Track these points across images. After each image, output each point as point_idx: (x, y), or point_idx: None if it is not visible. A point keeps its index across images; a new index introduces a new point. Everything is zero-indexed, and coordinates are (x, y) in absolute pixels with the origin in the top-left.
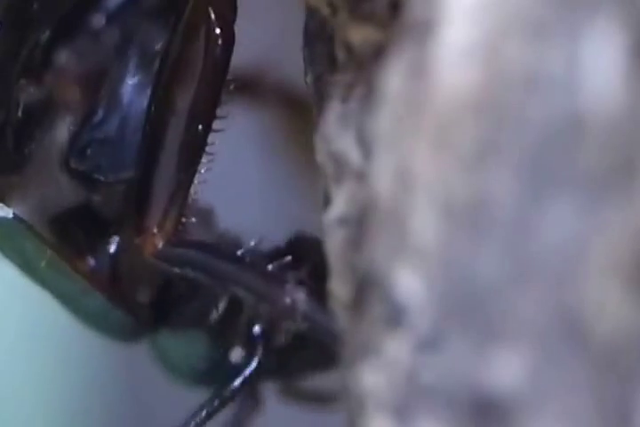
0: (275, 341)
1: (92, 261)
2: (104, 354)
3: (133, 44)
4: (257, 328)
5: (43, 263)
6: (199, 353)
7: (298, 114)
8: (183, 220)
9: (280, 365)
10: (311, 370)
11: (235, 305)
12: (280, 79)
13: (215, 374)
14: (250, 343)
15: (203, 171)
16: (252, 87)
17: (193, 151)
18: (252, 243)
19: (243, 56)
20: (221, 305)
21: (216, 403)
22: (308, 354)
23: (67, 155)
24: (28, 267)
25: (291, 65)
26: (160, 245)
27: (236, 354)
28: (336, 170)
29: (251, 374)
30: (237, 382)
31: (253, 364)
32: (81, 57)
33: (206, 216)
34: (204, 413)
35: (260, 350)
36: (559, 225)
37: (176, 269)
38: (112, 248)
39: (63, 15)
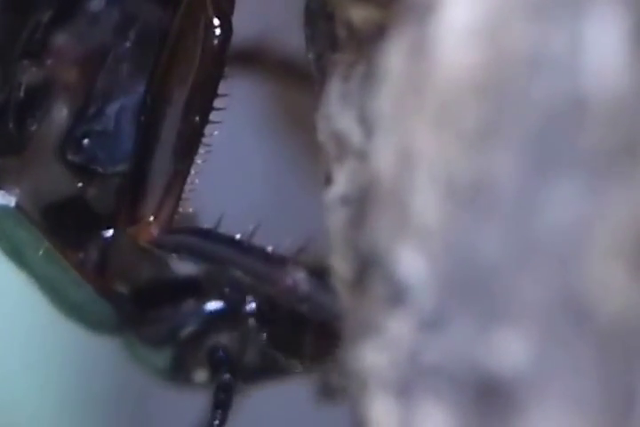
0: (240, 365)
1: (80, 253)
2: (102, 356)
3: (133, 26)
4: (221, 353)
5: (39, 253)
6: (166, 367)
7: (299, 88)
8: (180, 209)
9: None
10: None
11: (201, 331)
12: (281, 52)
13: (184, 384)
14: (214, 368)
15: (200, 161)
16: (252, 60)
17: (190, 141)
18: (251, 227)
19: (243, 30)
20: (188, 328)
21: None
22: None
23: (63, 146)
24: (17, 255)
25: (291, 38)
26: (156, 233)
27: (200, 376)
28: (337, 149)
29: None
30: (212, 414)
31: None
32: (80, 39)
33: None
34: None
35: (223, 376)
36: (562, 205)
37: (174, 256)
38: (103, 240)
39: None
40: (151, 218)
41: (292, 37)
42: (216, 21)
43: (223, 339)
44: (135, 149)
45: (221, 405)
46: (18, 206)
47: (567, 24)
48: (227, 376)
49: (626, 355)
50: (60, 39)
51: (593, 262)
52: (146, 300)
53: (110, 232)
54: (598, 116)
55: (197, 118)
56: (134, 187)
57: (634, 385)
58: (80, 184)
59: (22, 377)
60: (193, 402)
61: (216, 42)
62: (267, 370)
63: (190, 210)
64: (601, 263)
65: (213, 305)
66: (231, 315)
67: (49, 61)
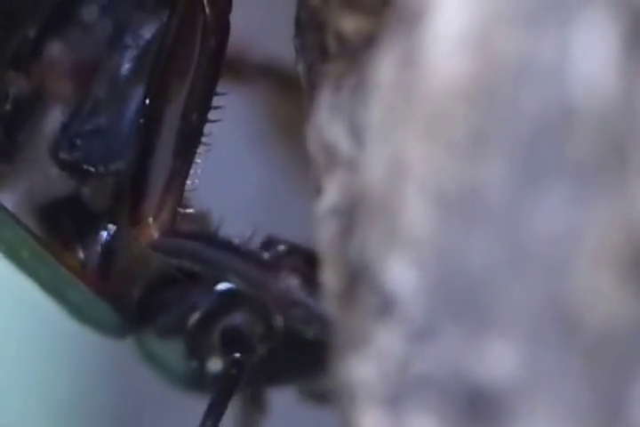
0: (253, 352)
1: (80, 254)
2: (100, 358)
3: (126, 34)
4: (233, 337)
5: (25, 253)
6: (179, 359)
7: (286, 92)
8: (180, 211)
9: (263, 373)
10: (296, 377)
11: (210, 316)
12: (265, 56)
13: (198, 381)
14: (227, 355)
15: (199, 161)
16: (236, 65)
17: (189, 142)
18: (248, 233)
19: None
20: (196, 314)
21: (211, 415)
22: (290, 361)
23: (57, 145)
24: (13, 256)
25: (275, 42)
26: (156, 235)
27: (214, 365)
28: (328, 160)
29: (233, 384)
30: (218, 392)
31: (233, 374)
32: (73, 48)
33: (202, 220)
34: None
35: (238, 362)
36: (551, 214)
37: (172, 259)
38: (102, 241)
39: (55, 7)
40: (151, 220)
41: (275, 35)
42: (213, 21)
43: (236, 321)
44: (134, 148)
45: (228, 385)
46: (1, 206)
47: (556, 32)
48: (237, 359)
49: (614, 363)
50: (53, 49)
51: (581, 271)
52: (153, 293)
53: (111, 232)
54: (587, 125)
55: (196, 118)
56: (134, 187)
57: (622, 394)
58: (75, 184)
59: (14, 384)
60: (188, 415)
61: (213, 41)
62: (282, 360)
63: (192, 211)
64: (589, 272)
65: (223, 286)
66: (242, 295)
67: (39, 72)
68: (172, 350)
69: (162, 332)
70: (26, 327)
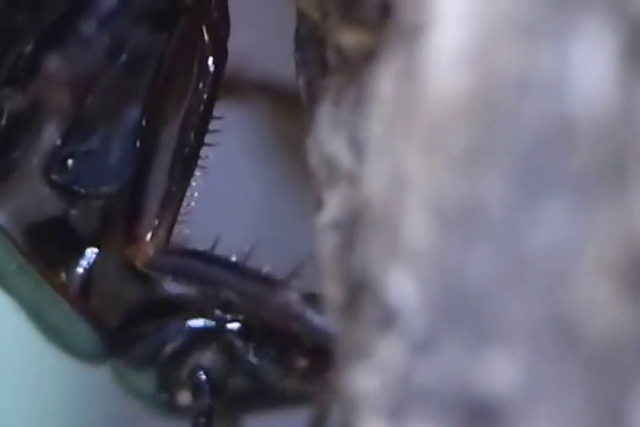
0: (222, 388)
1: (64, 275)
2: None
3: (123, 51)
4: (202, 375)
5: (13, 267)
6: (150, 390)
7: (284, 108)
8: (175, 230)
9: (231, 408)
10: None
11: (182, 350)
12: (262, 73)
13: (170, 411)
14: (196, 389)
15: (195, 183)
16: (234, 83)
17: (185, 163)
18: (247, 248)
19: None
20: (169, 348)
21: None
22: (258, 398)
23: (49, 165)
24: None
25: (273, 58)
26: (152, 253)
27: (184, 398)
28: (328, 173)
29: (201, 419)
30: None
31: (201, 408)
32: (70, 64)
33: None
34: None
35: (206, 397)
36: (551, 227)
37: (168, 278)
38: (87, 263)
39: (53, 22)
40: (147, 239)
41: (272, 53)
42: (211, 44)
43: (206, 360)
44: (131, 170)
45: None
46: None
47: (555, 46)
48: (206, 399)
49: (614, 375)
50: (50, 65)
51: (581, 283)
52: (130, 322)
53: (95, 253)
54: (587, 138)
55: (193, 140)
56: (130, 207)
57: (622, 405)
58: (64, 205)
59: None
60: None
61: (211, 65)
62: (253, 394)
63: (186, 231)
64: (589, 284)
65: (196, 323)
66: (214, 333)
67: (36, 87)
68: (144, 381)
69: (135, 362)
70: (25, 335)
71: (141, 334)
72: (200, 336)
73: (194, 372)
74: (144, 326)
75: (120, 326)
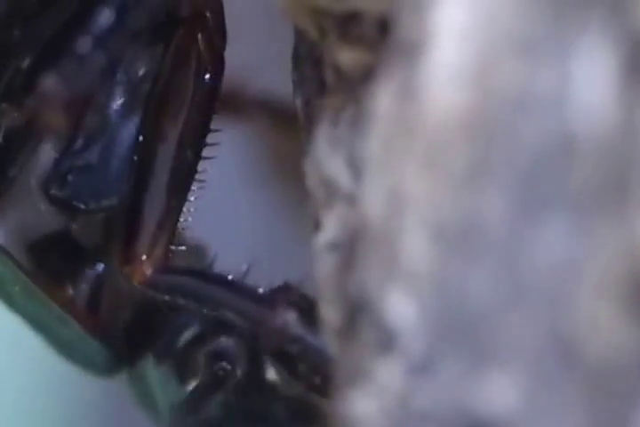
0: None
1: (70, 290)
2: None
3: (119, 69)
4: (218, 361)
5: (17, 289)
6: (173, 386)
7: (282, 126)
8: (172, 248)
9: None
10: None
11: (200, 336)
12: (261, 90)
13: (191, 409)
14: (209, 371)
15: (192, 198)
16: (232, 100)
17: (182, 179)
18: (244, 268)
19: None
20: (184, 337)
21: None
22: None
23: (47, 181)
24: (3, 291)
25: (271, 77)
26: (149, 272)
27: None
28: (326, 194)
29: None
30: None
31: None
32: (66, 82)
33: (198, 251)
34: None
35: (220, 376)
36: (552, 246)
37: (166, 297)
38: (91, 277)
39: (48, 40)
40: (144, 257)
41: (271, 70)
42: (207, 58)
43: (221, 344)
44: (127, 185)
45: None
46: None
47: (555, 62)
48: (221, 368)
49: (614, 395)
50: (46, 82)
51: (582, 303)
52: (138, 336)
53: (101, 268)
54: (587, 155)
55: (190, 155)
56: (127, 224)
57: (623, 424)
58: (64, 220)
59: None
60: None
61: (208, 78)
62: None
63: (184, 248)
64: (590, 304)
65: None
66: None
67: (33, 104)
68: (167, 378)
69: (154, 361)
70: (26, 339)
71: (157, 327)
72: (215, 324)
73: (209, 356)
74: (157, 320)
75: (132, 331)
